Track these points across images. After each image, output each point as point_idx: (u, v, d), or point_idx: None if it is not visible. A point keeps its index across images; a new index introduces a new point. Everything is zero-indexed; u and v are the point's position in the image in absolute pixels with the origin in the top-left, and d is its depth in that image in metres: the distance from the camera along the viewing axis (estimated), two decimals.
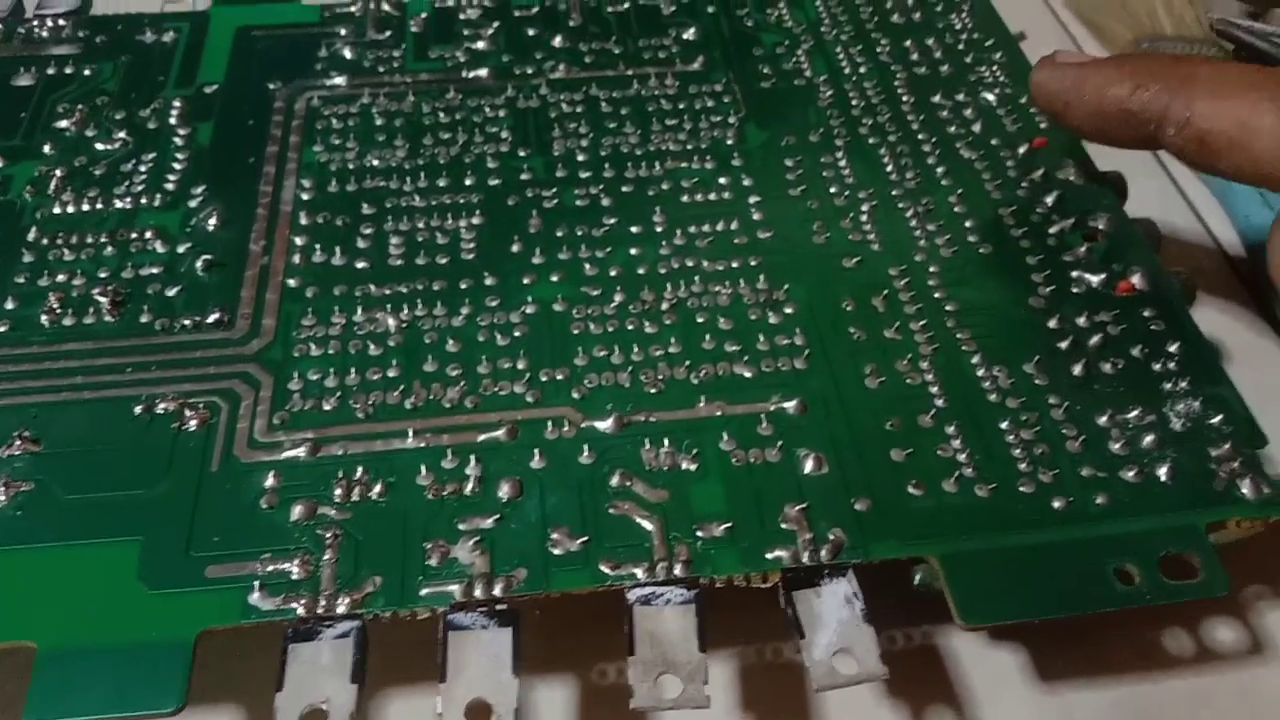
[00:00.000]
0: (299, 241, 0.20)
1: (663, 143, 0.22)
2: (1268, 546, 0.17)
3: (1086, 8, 0.30)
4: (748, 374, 0.18)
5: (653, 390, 0.17)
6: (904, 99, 0.23)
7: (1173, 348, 0.18)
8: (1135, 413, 0.17)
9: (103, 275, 0.19)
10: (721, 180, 0.21)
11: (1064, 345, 0.18)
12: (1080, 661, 0.17)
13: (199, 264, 0.19)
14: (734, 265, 0.19)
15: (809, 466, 0.16)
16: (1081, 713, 0.16)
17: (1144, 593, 0.15)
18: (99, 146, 0.22)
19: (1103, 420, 0.17)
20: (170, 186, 0.21)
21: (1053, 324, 0.18)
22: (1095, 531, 0.16)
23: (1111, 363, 0.18)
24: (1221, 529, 0.16)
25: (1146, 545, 0.15)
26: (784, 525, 0.15)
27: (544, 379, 0.17)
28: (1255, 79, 0.17)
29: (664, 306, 0.19)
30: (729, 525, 0.15)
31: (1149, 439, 0.17)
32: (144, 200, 0.21)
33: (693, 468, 0.16)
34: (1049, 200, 0.20)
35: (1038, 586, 0.15)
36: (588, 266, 0.19)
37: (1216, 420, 0.17)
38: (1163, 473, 0.16)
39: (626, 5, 0.25)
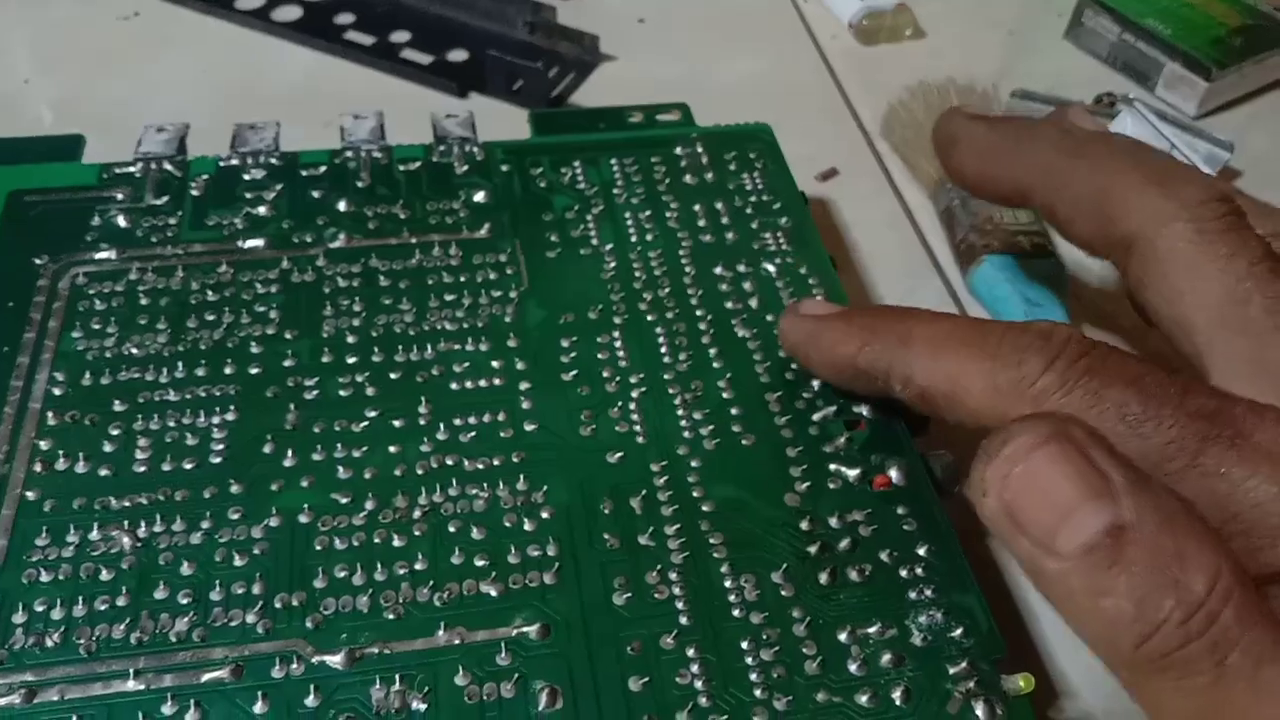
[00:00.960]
0: (44, 445, 0.19)
1: (439, 321, 0.21)
2: None
3: (900, 143, 0.31)
4: (494, 592, 0.17)
5: (392, 616, 0.17)
6: (687, 270, 0.23)
7: (922, 550, 0.18)
8: (876, 627, 0.17)
9: None
10: (495, 364, 0.21)
11: (813, 549, 0.18)
12: None
13: None
14: (496, 463, 0.19)
15: (543, 702, 0.16)
16: None
17: None
18: None
19: (843, 636, 0.17)
20: None
21: (805, 524, 0.18)
22: None
23: (859, 569, 0.18)
24: None
25: None
26: None
27: (279, 605, 0.17)
28: (967, 336, 0.17)
29: (416, 515, 0.18)
30: None
31: (887, 657, 0.16)
32: None
33: (423, 708, 0.16)
34: (815, 384, 0.20)
35: None
36: (341, 469, 0.19)
37: (958, 633, 0.17)
38: (897, 696, 0.16)
39: (419, 164, 0.25)
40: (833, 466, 0.19)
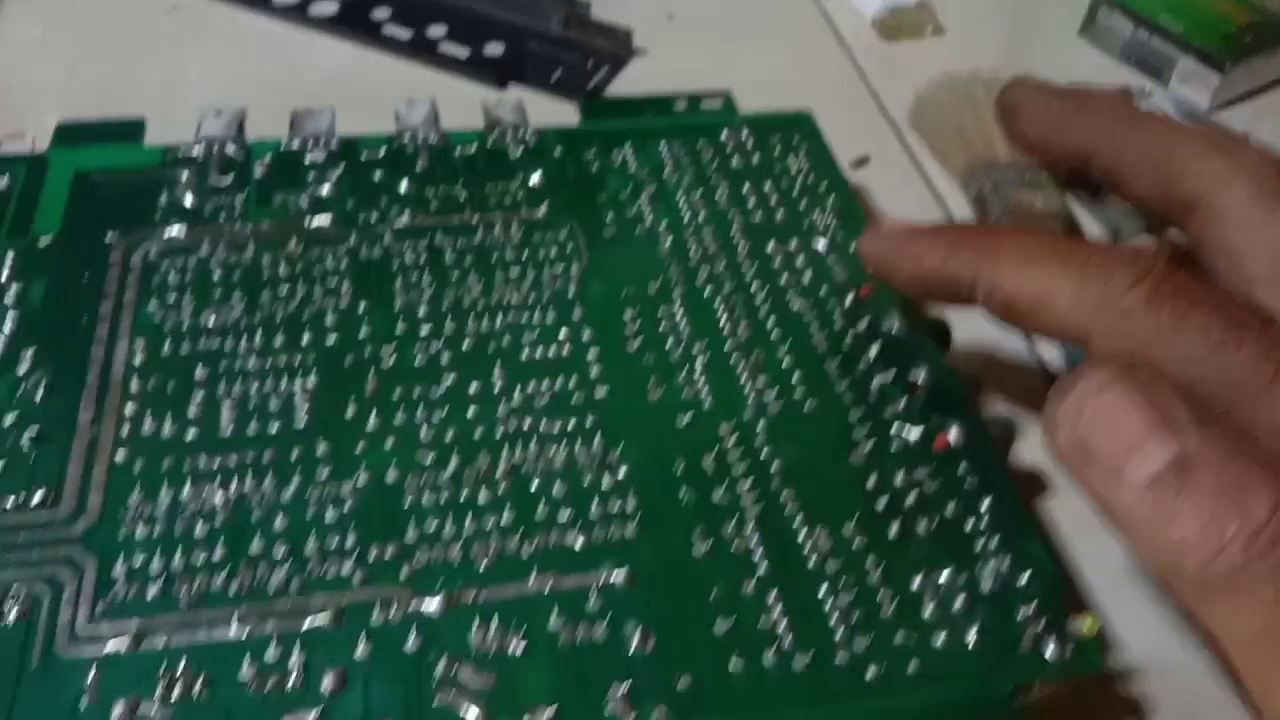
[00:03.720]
0: (129, 410, 0.19)
1: (505, 294, 0.22)
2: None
3: (929, 132, 0.32)
4: (579, 543, 0.18)
5: (483, 565, 0.17)
6: (739, 247, 0.23)
7: (984, 504, 0.19)
8: (947, 573, 0.18)
9: None
10: (561, 334, 0.21)
11: (881, 504, 0.19)
12: None
13: (25, 437, 0.19)
14: (570, 425, 0.20)
15: (634, 644, 0.16)
16: None
17: None
18: None
19: (917, 582, 0.17)
20: None
21: (871, 482, 0.19)
22: (907, 700, 0.16)
23: (926, 521, 0.18)
24: (1031, 691, 0.17)
25: (955, 713, 0.16)
26: (609, 708, 0.16)
27: (373, 556, 0.17)
28: (1056, 248, 0.18)
29: (498, 473, 0.19)
30: (555, 709, 0.16)
31: (959, 601, 0.17)
32: None
33: (521, 648, 0.16)
34: (872, 352, 0.21)
35: None
36: (423, 430, 0.19)
37: (1024, 579, 0.18)
38: (971, 637, 0.17)
39: (475, 148, 0.25)
40: (894, 428, 0.20)
